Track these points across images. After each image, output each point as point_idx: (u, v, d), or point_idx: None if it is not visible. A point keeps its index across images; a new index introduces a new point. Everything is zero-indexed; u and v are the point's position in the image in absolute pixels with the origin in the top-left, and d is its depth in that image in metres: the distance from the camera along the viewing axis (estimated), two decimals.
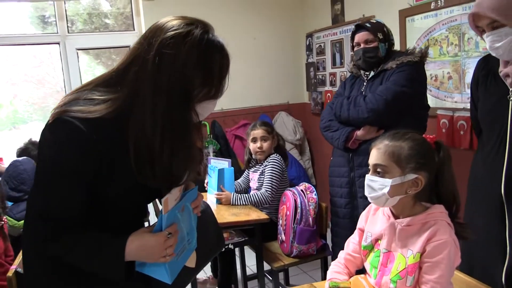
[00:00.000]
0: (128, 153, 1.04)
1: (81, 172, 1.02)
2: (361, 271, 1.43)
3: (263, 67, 4.25)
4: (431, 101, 2.80)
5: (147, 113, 1.01)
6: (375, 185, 1.24)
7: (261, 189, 2.70)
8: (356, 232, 1.45)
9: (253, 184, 2.84)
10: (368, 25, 2.30)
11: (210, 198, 2.72)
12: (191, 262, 1.26)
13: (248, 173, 2.95)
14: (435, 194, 1.27)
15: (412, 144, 1.23)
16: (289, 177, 3.88)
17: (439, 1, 2.67)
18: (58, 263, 1.08)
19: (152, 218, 3.44)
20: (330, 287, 1.22)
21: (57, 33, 3.70)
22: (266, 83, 4.28)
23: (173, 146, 1.04)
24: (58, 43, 3.71)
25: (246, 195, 2.65)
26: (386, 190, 1.22)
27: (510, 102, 1.52)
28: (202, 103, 1.09)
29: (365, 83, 2.34)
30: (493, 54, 1.50)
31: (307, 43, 4.22)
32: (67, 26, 3.74)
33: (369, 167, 1.29)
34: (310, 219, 2.40)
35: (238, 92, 4.13)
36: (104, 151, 1.02)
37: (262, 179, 2.74)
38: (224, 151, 3.93)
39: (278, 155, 2.78)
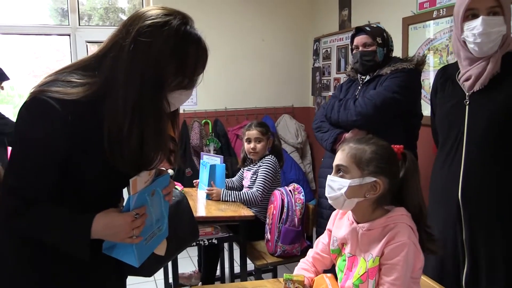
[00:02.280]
0: (102, 136, 1.06)
1: (53, 150, 1.04)
2: (330, 271, 1.44)
3: (269, 69, 4.27)
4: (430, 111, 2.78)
5: (120, 98, 1.04)
6: (335, 185, 1.25)
7: (252, 188, 2.72)
8: (326, 232, 1.45)
9: (246, 183, 2.85)
10: (368, 28, 2.30)
11: (200, 193, 2.75)
12: (160, 250, 1.26)
13: (243, 171, 2.97)
14: (400, 204, 1.27)
15: (375, 148, 1.24)
16: (288, 180, 3.90)
17: (441, 10, 2.66)
18: (27, 244, 1.10)
19: None
20: (284, 279, 1.23)
21: (68, 25, 3.80)
22: (272, 85, 4.30)
23: (143, 131, 1.07)
24: (69, 35, 3.80)
25: (237, 192, 2.67)
26: (344, 190, 1.22)
27: (467, 107, 1.51)
28: (174, 93, 1.11)
29: (359, 87, 2.33)
30: (475, 42, 1.45)
31: (315, 47, 4.23)
32: (79, 19, 3.84)
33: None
34: (296, 219, 2.41)
35: (243, 92, 4.17)
36: (78, 132, 1.05)
37: (255, 178, 2.76)
38: (224, 150, 3.97)
39: (273, 156, 2.79)
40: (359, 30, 2.33)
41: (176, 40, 1.05)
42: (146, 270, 1.29)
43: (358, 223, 1.28)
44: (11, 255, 1.13)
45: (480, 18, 1.44)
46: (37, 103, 1.03)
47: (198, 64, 1.12)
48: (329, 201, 1.29)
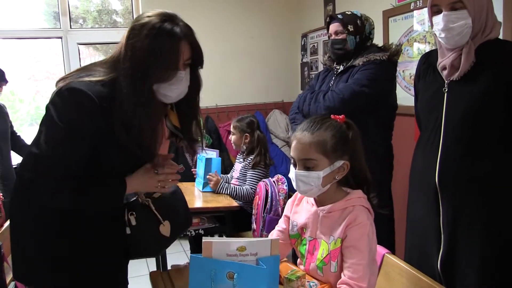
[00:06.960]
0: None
1: (89, 132, 1.20)
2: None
3: (259, 65, 4.35)
4: (410, 101, 2.83)
5: (122, 90, 1.21)
6: (307, 180, 1.26)
7: (244, 184, 2.81)
8: (283, 219, 1.47)
9: (235, 174, 2.94)
10: (340, 16, 2.27)
11: (197, 186, 2.84)
12: (166, 231, 1.41)
13: (234, 164, 3.06)
14: (350, 173, 1.31)
15: (333, 132, 1.27)
16: (279, 174, 3.96)
17: (418, 1, 2.73)
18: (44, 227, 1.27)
19: None
20: (287, 279, 1.23)
21: (60, 28, 3.88)
22: (262, 81, 4.38)
23: (139, 119, 1.22)
24: (61, 38, 3.88)
25: (232, 186, 2.76)
26: (319, 182, 1.25)
27: (445, 94, 1.56)
28: (164, 84, 1.25)
29: (333, 78, 2.33)
30: (441, 37, 1.53)
31: (302, 43, 4.30)
32: (70, 21, 3.92)
33: (293, 161, 1.30)
34: (280, 209, 2.48)
35: (234, 89, 4.25)
36: (106, 116, 1.20)
37: (244, 171, 2.85)
38: (216, 146, 4.03)
39: (261, 165, 2.85)
40: (332, 18, 2.31)
41: (152, 36, 1.20)
42: (154, 250, 1.50)
43: (318, 205, 1.33)
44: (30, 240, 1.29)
45: (441, 14, 1.50)
46: (71, 91, 1.19)
47: (175, 56, 1.23)
48: (303, 195, 1.34)
